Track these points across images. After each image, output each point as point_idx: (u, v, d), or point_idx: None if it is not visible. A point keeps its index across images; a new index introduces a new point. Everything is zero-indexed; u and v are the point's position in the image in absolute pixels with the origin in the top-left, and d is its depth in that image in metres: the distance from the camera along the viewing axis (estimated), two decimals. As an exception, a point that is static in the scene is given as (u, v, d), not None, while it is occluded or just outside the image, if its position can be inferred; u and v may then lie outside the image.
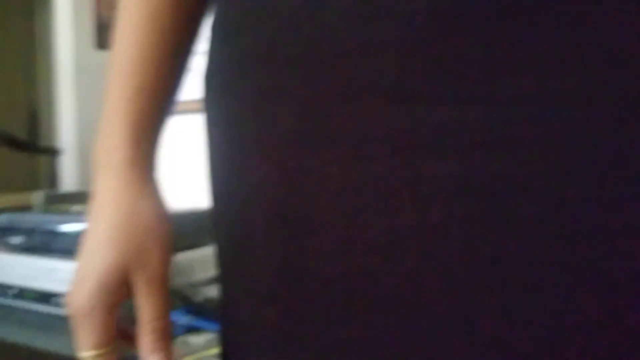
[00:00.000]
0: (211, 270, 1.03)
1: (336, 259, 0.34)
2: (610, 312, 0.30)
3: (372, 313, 0.33)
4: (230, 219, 0.39)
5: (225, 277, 0.41)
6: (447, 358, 0.32)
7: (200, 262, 1.03)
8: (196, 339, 0.83)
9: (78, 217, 1.04)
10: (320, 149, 0.34)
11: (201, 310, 0.89)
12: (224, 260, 0.41)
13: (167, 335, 0.42)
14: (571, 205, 0.30)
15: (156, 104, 0.44)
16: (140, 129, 0.43)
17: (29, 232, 1.08)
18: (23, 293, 1.01)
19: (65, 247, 1.02)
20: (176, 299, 0.92)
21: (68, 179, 2.39)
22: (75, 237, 1.01)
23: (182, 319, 0.89)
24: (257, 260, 0.37)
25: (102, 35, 2.65)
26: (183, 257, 0.99)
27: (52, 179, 2.07)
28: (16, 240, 1.09)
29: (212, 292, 0.92)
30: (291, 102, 0.35)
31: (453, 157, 0.32)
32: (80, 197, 1.65)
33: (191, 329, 0.87)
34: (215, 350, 0.78)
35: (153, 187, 0.44)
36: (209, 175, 0.42)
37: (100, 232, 0.42)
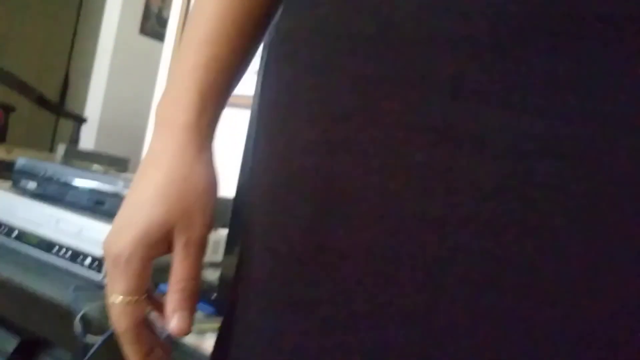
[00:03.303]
0: (213, 255, 1.03)
1: (360, 234, 0.34)
2: (621, 336, 0.30)
3: (382, 292, 0.34)
4: (269, 170, 0.40)
5: (247, 232, 0.42)
6: (443, 347, 0.32)
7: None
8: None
9: (95, 174, 1.05)
10: (367, 127, 0.35)
11: (195, 290, 0.89)
12: (251, 212, 0.41)
13: (193, 297, 0.43)
14: (607, 230, 0.31)
15: (226, 76, 0.46)
16: (208, 97, 0.45)
17: (44, 180, 1.09)
18: (25, 237, 1.02)
19: (77, 200, 1.03)
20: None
21: (87, 146, 2.41)
22: (88, 193, 1.02)
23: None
24: (282, 221, 0.37)
25: (147, 22, 2.70)
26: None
27: (72, 144, 2.09)
28: (30, 185, 1.10)
29: (210, 275, 0.92)
30: (349, 78, 0.36)
31: (496, 158, 0.32)
32: (99, 158, 1.67)
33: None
34: (198, 327, 0.79)
35: (209, 155, 0.45)
36: (255, 136, 0.43)
37: (153, 185, 0.43)
